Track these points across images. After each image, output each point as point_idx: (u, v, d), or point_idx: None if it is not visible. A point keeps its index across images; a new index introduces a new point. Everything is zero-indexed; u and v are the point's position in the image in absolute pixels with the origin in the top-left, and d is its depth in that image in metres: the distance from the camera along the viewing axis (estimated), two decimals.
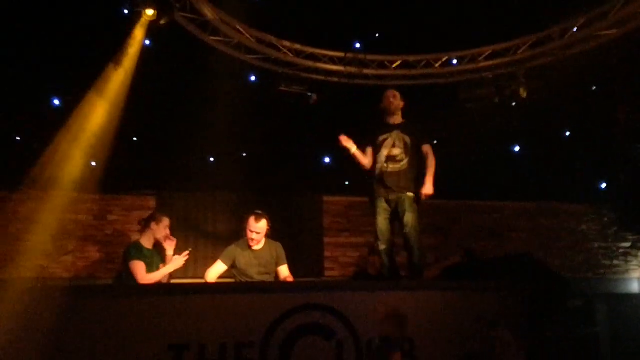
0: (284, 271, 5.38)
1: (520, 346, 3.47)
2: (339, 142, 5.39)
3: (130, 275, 5.15)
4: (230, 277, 5.38)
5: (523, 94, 8.11)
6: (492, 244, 8.99)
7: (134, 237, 6.74)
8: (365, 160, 5.48)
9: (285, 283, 5.16)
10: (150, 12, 6.42)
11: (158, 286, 4.99)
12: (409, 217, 5.25)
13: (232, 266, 5.32)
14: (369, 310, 4.14)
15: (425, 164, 5.38)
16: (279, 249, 5.45)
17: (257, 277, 5.27)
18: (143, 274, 5.12)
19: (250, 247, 5.30)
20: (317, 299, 4.20)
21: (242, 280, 5.27)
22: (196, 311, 4.09)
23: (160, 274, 5.25)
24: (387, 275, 5.37)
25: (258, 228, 5.26)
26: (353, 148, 5.42)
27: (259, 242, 5.30)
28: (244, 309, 4.15)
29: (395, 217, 5.37)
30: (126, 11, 6.66)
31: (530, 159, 9.36)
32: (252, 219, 5.29)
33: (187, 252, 5.35)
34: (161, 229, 5.43)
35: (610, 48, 7.63)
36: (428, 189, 5.23)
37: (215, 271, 5.31)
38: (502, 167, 9.14)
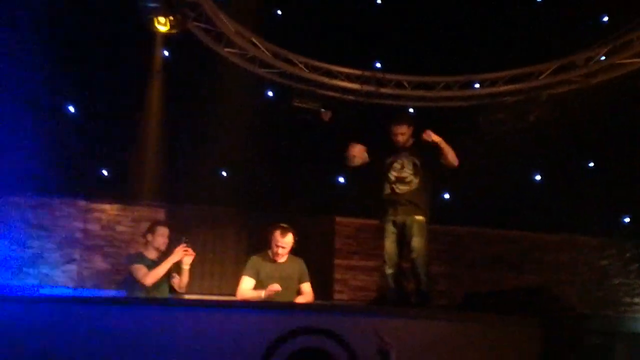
0: (307, 288, 5.21)
1: None
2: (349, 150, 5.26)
3: (132, 282, 5.09)
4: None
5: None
6: (507, 275, 8.69)
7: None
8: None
9: (283, 303, 4.96)
10: (162, 20, 6.33)
11: (158, 299, 4.87)
12: (416, 242, 5.11)
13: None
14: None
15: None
16: (302, 265, 5.27)
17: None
18: (143, 272, 5.02)
19: (274, 260, 5.13)
20: (318, 322, 4.01)
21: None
22: (189, 328, 3.91)
23: (161, 268, 5.06)
24: (393, 301, 5.17)
25: (284, 242, 5.09)
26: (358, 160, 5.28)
27: (284, 256, 5.14)
28: (240, 328, 3.97)
29: (403, 240, 5.20)
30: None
31: (551, 188, 9.09)
32: (277, 233, 5.10)
33: (183, 246, 5.13)
34: (157, 238, 5.32)
35: (635, 77, 7.40)
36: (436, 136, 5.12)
37: (246, 287, 5.09)
38: (521, 196, 8.89)
